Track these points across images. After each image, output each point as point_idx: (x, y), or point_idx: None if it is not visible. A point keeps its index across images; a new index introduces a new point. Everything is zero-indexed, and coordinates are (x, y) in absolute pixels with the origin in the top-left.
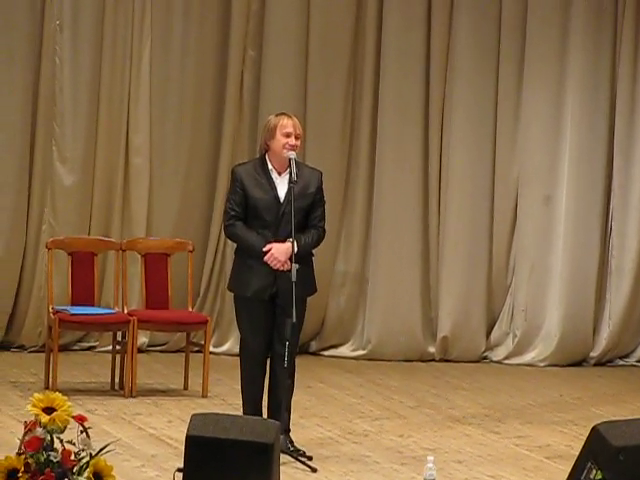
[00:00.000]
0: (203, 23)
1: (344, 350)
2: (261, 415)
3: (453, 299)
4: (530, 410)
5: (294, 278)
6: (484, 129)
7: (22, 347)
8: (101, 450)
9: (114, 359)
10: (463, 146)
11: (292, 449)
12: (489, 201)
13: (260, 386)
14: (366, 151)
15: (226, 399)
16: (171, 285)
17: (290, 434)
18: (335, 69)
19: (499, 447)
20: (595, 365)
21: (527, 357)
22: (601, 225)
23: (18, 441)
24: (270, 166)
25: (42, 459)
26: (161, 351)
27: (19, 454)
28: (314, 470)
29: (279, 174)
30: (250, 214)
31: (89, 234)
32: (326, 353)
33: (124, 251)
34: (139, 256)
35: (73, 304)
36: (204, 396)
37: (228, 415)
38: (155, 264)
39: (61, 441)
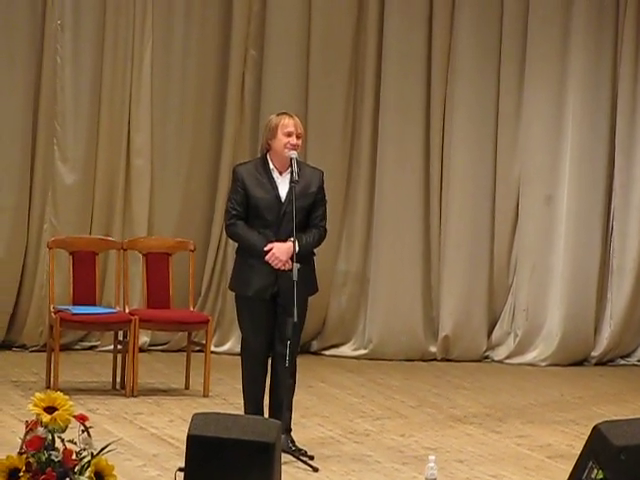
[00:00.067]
0: (204, 24)
1: (345, 350)
2: (262, 414)
3: (454, 299)
4: (531, 409)
5: (295, 277)
6: (485, 129)
7: (23, 346)
8: (102, 449)
9: (115, 358)
10: (464, 146)
11: (293, 448)
12: (490, 201)
13: (261, 385)
14: (367, 151)
15: (227, 398)
16: (172, 284)
17: (291, 433)
18: (336, 70)
19: (500, 446)
20: (596, 365)
21: (528, 357)
22: (602, 225)
23: (19, 440)
24: (271, 165)
25: (43, 458)
26: (162, 350)
27: (20, 453)
28: (315, 470)
29: (280, 174)
30: (251, 214)
31: (90, 234)
32: (327, 353)
33: (125, 250)
34: (140, 255)
35: (74, 303)
36: (205, 395)
37: (229, 414)
38: (156, 263)
39: (62, 440)
